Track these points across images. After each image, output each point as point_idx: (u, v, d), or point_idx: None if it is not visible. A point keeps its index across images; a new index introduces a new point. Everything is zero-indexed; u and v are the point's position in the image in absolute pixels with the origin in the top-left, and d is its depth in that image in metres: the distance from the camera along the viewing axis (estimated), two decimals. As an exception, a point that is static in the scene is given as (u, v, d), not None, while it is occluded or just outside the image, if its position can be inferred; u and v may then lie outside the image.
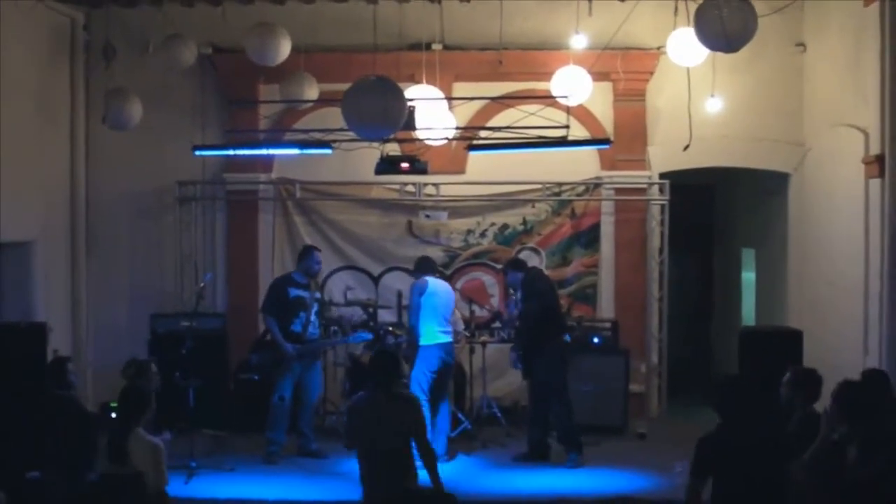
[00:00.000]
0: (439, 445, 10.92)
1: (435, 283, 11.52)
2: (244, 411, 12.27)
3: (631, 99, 13.56)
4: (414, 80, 12.06)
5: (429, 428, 10.94)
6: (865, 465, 6.19)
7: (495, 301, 13.79)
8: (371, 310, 13.35)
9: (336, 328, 13.16)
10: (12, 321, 11.22)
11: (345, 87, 9.37)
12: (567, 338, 11.67)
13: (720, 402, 6.95)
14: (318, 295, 11.97)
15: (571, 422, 11.34)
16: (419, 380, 11.26)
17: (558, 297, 12.10)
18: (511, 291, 11.93)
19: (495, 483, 10.75)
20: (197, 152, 12.31)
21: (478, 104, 13.15)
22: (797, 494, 6.91)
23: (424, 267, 11.74)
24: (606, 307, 13.58)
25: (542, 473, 11.04)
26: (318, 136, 11.59)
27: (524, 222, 13.80)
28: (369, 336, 12.34)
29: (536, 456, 11.46)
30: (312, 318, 11.69)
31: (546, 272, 13.52)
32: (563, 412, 11.32)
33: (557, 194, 13.74)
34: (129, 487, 6.84)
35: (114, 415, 7.26)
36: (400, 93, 9.32)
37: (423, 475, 7.88)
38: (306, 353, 11.58)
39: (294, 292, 11.63)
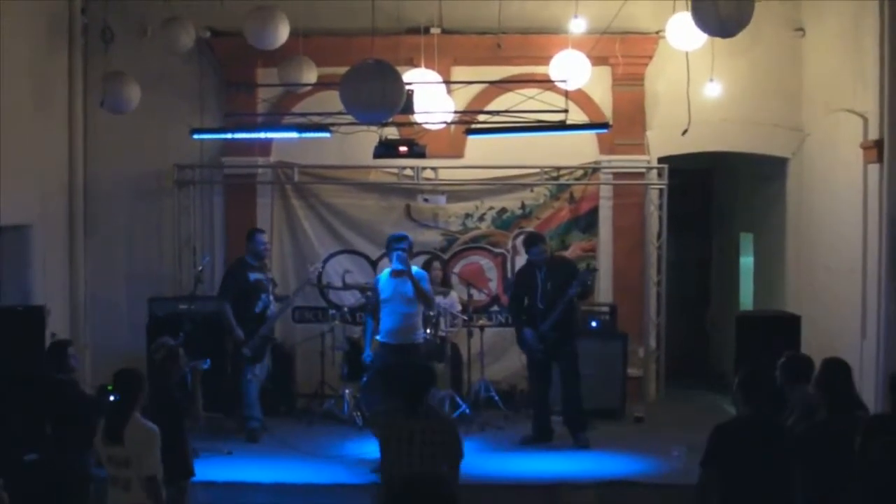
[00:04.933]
0: None
1: None
2: (238, 390, 12.26)
3: (630, 83, 13.54)
4: (413, 63, 12.05)
5: None
6: (865, 453, 6.19)
7: (493, 285, 13.79)
8: (369, 293, 13.33)
9: (335, 311, 13.18)
10: (10, 304, 11.22)
11: (343, 70, 9.35)
12: None
13: (747, 391, 6.79)
14: (270, 276, 12.26)
15: (582, 405, 11.61)
16: None
17: None
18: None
19: (494, 466, 10.77)
20: (195, 136, 12.34)
21: (476, 88, 13.12)
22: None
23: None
24: (604, 291, 13.59)
25: (540, 457, 11.08)
26: (316, 119, 11.58)
27: (523, 206, 13.79)
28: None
29: (543, 438, 11.53)
30: (271, 297, 12.02)
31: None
32: (579, 397, 11.54)
33: (556, 178, 13.74)
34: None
35: (111, 397, 7.25)
36: (397, 76, 9.30)
37: None
38: (269, 332, 12.03)
39: (253, 276, 11.95)
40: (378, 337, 11.11)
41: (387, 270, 11.14)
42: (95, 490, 8.14)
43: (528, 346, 11.61)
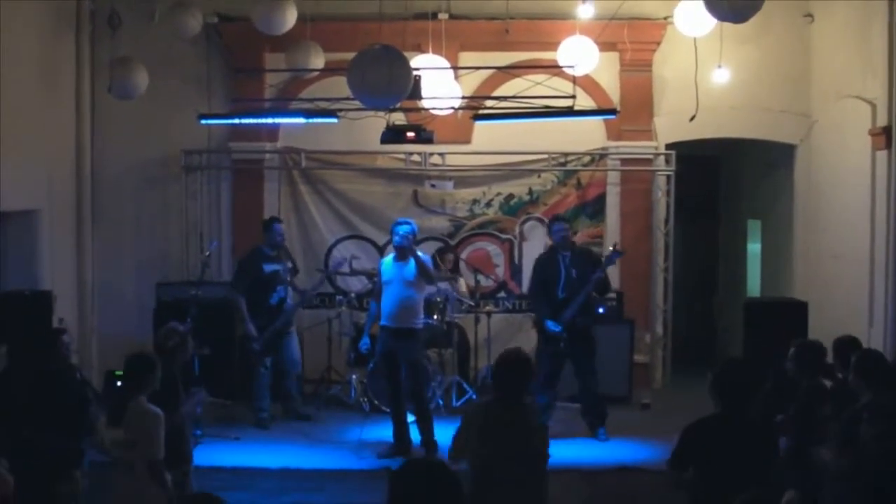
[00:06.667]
0: None
1: None
2: (249, 380, 12.29)
3: (637, 69, 13.51)
4: (420, 49, 12.01)
5: None
6: (881, 438, 6.12)
7: (500, 271, 13.78)
8: (375, 279, 13.32)
9: (342, 297, 13.17)
10: (18, 289, 11.23)
11: (351, 56, 9.32)
12: None
13: (721, 388, 6.45)
14: (289, 265, 12.19)
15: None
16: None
17: None
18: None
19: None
20: (202, 121, 12.32)
21: (484, 74, 13.09)
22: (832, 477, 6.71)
23: None
24: (611, 278, 13.52)
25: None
26: (323, 104, 11.57)
27: (530, 192, 13.78)
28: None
29: None
30: (288, 289, 12.03)
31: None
32: (596, 388, 11.36)
33: (563, 164, 13.72)
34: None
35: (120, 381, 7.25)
36: (405, 61, 9.28)
37: None
38: (283, 326, 11.93)
39: (269, 267, 11.88)
40: (380, 321, 11.07)
41: (391, 255, 11.10)
42: (88, 474, 8.17)
43: (551, 338, 11.16)
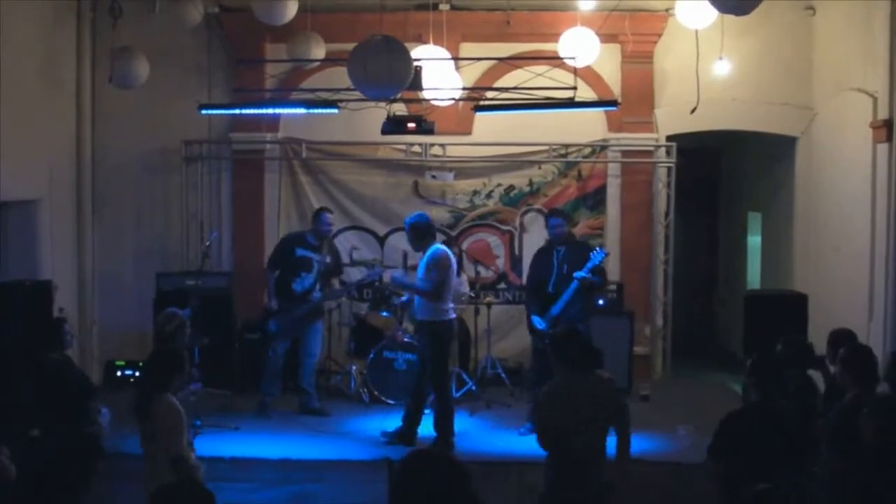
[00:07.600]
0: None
1: None
2: (249, 371, 12.31)
3: (639, 61, 13.49)
4: (421, 40, 12.01)
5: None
6: (880, 430, 6.10)
7: (500, 262, 13.78)
8: (375, 266, 13.32)
9: (341, 288, 13.17)
10: (18, 279, 11.23)
11: (352, 46, 9.34)
12: None
13: (759, 377, 6.72)
14: (327, 259, 12.02)
15: None
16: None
17: None
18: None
19: (500, 443, 10.80)
20: (203, 111, 12.29)
21: (485, 65, 13.08)
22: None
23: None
24: (612, 270, 13.54)
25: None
26: (324, 95, 11.55)
27: (530, 184, 13.77)
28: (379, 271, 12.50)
29: None
30: (317, 281, 11.89)
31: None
32: None
33: (564, 156, 13.72)
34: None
35: (139, 374, 7.28)
36: (406, 52, 9.28)
37: None
38: (308, 311, 11.82)
39: (300, 252, 11.81)
40: None
41: None
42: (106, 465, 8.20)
43: (538, 334, 10.99)
